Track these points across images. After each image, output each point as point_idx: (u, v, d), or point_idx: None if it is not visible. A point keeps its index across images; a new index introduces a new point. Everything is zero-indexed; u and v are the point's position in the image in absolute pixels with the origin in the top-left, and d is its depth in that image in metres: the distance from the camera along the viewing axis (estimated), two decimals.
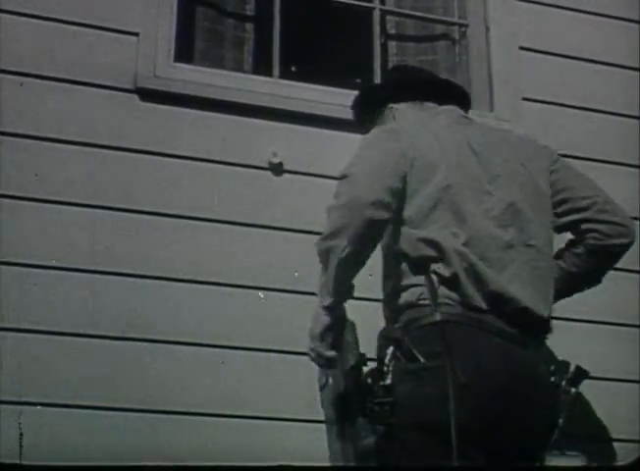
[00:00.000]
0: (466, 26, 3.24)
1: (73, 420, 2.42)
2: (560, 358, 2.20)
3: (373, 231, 2.07)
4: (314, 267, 2.65)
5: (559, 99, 3.14)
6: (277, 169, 2.77)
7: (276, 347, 2.59)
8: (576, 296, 2.84)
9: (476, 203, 2.10)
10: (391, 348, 2.03)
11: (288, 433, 2.53)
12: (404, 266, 2.10)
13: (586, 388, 2.20)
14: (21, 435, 2.36)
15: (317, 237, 2.09)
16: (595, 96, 3.19)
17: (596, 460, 2.48)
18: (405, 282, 2.10)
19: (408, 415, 1.95)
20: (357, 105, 2.41)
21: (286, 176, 2.78)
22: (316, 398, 2.45)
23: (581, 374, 2.12)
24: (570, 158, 3.07)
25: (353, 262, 2.09)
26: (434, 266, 2.04)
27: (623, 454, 2.57)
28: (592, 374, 2.47)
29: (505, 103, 3.09)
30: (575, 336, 2.82)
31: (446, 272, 2.03)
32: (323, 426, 2.45)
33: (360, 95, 2.42)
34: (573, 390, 2.12)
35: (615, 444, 2.75)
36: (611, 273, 2.98)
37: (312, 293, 2.63)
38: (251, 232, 2.70)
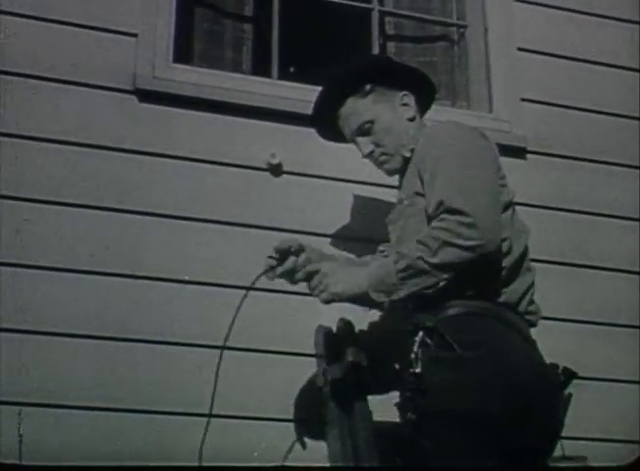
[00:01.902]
0: (465, 26, 3.24)
1: (73, 420, 2.42)
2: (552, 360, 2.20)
3: None
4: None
5: (557, 100, 3.14)
6: (276, 170, 2.78)
7: (276, 348, 2.59)
8: (576, 296, 2.85)
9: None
10: (419, 336, 2.04)
11: (287, 433, 2.52)
12: None
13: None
14: (20, 435, 2.36)
15: (411, 252, 2.04)
16: (594, 97, 3.19)
17: (596, 460, 2.47)
18: None
19: (442, 404, 1.96)
20: (351, 75, 2.37)
21: (285, 177, 2.78)
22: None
23: (570, 375, 2.12)
24: (570, 159, 3.10)
25: None
26: None
27: (623, 454, 2.56)
28: (591, 374, 2.47)
29: (503, 104, 3.09)
30: (575, 335, 2.82)
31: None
32: (323, 426, 2.45)
33: (368, 66, 2.41)
34: (566, 392, 2.13)
35: (615, 445, 2.75)
36: (611, 273, 3.00)
37: (313, 294, 2.64)
38: (251, 232, 2.70)
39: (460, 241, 2.00)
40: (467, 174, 2.11)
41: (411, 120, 2.35)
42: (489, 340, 2.02)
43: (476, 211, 2.02)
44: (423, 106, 2.44)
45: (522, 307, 2.15)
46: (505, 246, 2.12)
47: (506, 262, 2.12)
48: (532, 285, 2.19)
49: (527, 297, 2.16)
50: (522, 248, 2.18)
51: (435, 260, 2.02)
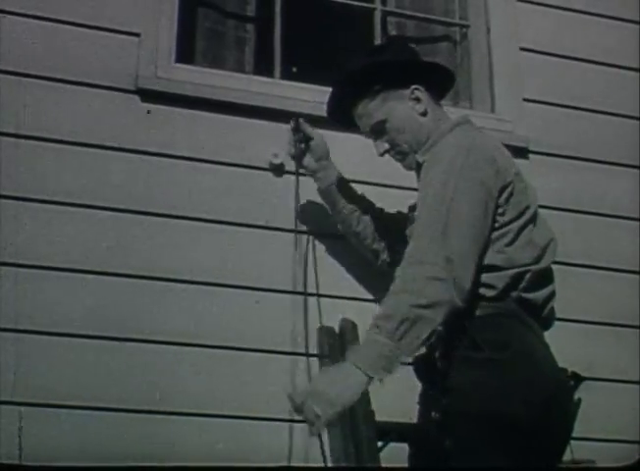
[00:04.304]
0: (467, 26, 3.24)
1: (73, 420, 2.42)
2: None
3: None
4: (316, 268, 2.67)
5: (559, 100, 3.14)
6: (278, 170, 2.77)
7: (276, 348, 2.58)
8: (576, 296, 2.85)
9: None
10: (445, 334, 2.04)
11: (288, 433, 2.52)
12: None
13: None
14: (20, 435, 2.36)
15: (395, 304, 1.95)
16: (595, 96, 3.19)
17: (598, 461, 2.48)
18: None
19: (469, 405, 1.96)
20: (360, 76, 2.33)
21: (287, 177, 2.77)
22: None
23: (578, 379, 2.13)
24: (571, 158, 3.10)
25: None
26: None
27: (624, 455, 2.57)
28: (592, 374, 2.47)
29: (506, 104, 3.08)
30: (575, 336, 2.82)
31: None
32: None
33: (368, 65, 2.36)
34: (576, 396, 2.14)
35: (617, 445, 2.75)
36: (611, 273, 3.01)
37: (313, 294, 2.64)
38: (252, 232, 2.69)
39: (437, 273, 1.94)
40: (451, 216, 2.04)
41: (424, 114, 2.32)
42: (515, 342, 2.03)
43: (453, 247, 1.99)
44: (439, 95, 2.40)
45: (545, 313, 2.16)
46: (531, 258, 2.13)
47: (534, 268, 2.13)
48: (554, 293, 2.20)
49: (550, 304, 2.18)
50: (551, 258, 2.19)
51: (424, 301, 1.93)
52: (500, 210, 2.12)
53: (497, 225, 2.11)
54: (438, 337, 2.03)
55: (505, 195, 2.12)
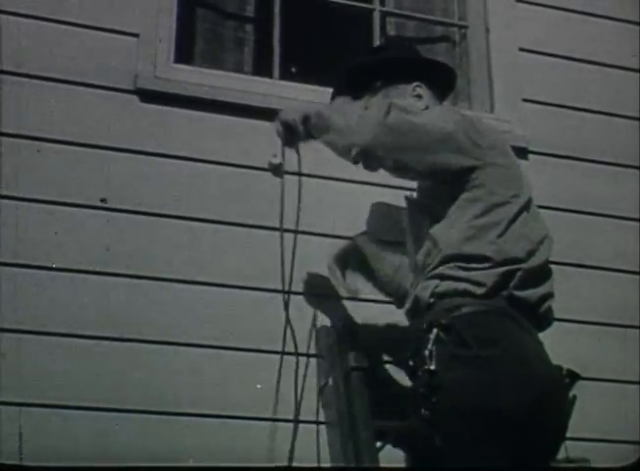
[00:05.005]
0: (466, 27, 3.24)
1: (73, 420, 2.42)
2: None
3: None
4: (316, 268, 2.67)
5: (559, 100, 3.14)
6: (277, 170, 2.77)
7: (277, 349, 2.58)
8: (576, 296, 2.85)
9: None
10: (434, 333, 2.02)
11: (288, 434, 2.52)
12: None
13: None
14: (21, 435, 2.36)
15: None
16: (595, 97, 3.19)
17: (597, 461, 2.48)
18: (446, 271, 2.12)
19: (458, 402, 1.95)
20: (362, 73, 2.36)
21: (286, 177, 2.77)
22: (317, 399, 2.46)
23: (574, 377, 2.12)
24: (571, 159, 3.10)
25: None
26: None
27: (623, 455, 2.57)
28: (592, 374, 2.47)
29: (505, 104, 3.09)
30: (575, 336, 2.82)
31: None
32: (323, 427, 2.45)
33: (372, 62, 2.40)
34: (571, 394, 2.13)
35: (616, 445, 2.75)
36: (611, 273, 3.00)
37: (311, 294, 2.65)
38: (252, 233, 2.69)
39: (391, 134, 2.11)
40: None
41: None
42: (504, 339, 2.02)
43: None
44: (441, 94, 2.41)
45: (540, 312, 2.14)
46: (524, 252, 2.12)
47: (526, 266, 2.11)
48: (551, 293, 2.18)
49: (546, 304, 2.16)
50: (545, 255, 2.17)
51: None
52: (484, 189, 2.12)
53: (485, 207, 2.11)
54: (426, 335, 2.04)
55: (487, 168, 2.13)
